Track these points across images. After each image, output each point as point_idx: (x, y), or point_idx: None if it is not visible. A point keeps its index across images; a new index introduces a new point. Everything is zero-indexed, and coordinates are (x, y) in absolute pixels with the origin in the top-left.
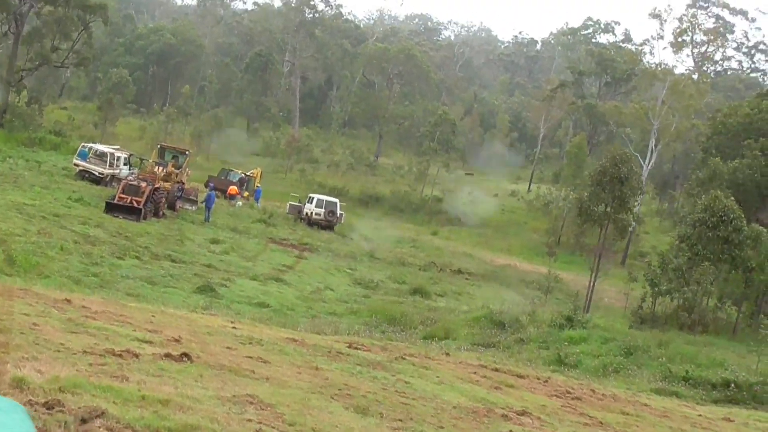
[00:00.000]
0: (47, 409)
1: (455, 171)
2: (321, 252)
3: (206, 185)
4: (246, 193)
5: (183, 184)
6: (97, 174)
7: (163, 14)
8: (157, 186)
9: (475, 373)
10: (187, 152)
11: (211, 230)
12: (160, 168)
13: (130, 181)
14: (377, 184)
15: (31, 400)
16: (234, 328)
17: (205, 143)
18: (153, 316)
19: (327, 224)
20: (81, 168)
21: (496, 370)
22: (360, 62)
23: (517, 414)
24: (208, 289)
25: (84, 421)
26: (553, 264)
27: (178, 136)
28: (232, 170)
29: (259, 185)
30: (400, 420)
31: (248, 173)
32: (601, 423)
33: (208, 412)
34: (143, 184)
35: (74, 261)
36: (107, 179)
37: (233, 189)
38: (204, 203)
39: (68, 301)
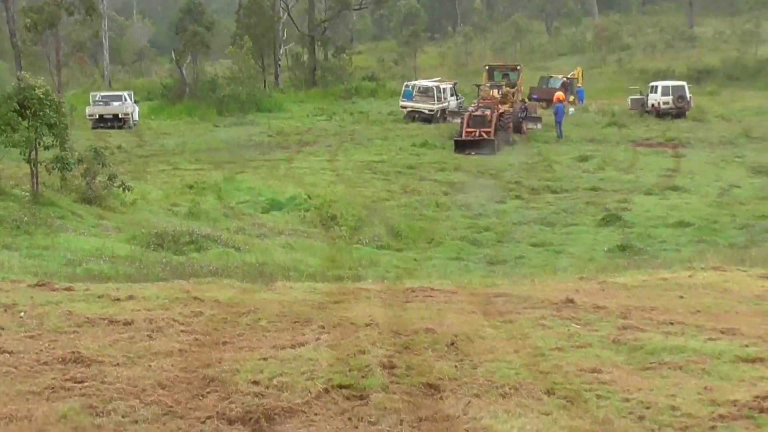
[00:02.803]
0: None
1: None
2: (693, 144)
3: (529, 98)
4: (572, 97)
5: (525, 102)
6: (426, 112)
7: None
8: (501, 111)
9: None
10: (518, 68)
11: (569, 146)
12: (496, 90)
13: (473, 111)
14: (701, 56)
15: None
16: None
17: (509, 54)
18: (681, 296)
19: (678, 112)
20: (409, 109)
21: None
22: None
23: None
24: (614, 218)
25: None
26: None
27: (479, 53)
28: (552, 76)
29: (581, 85)
30: None
31: (569, 76)
32: None
33: None
34: (487, 112)
35: (456, 216)
36: (438, 114)
37: (559, 95)
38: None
39: (571, 301)
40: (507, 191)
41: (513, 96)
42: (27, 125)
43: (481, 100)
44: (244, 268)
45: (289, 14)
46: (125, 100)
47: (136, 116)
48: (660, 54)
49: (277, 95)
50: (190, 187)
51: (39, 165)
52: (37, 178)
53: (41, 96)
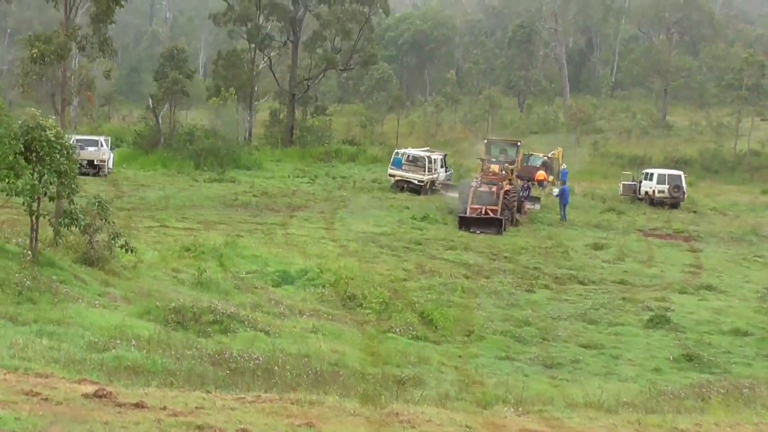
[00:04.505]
0: None
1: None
2: (705, 239)
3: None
4: (551, 177)
5: (529, 182)
6: (416, 182)
7: (398, 4)
8: (507, 189)
9: None
10: (518, 144)
11: (576, 231)
12: (497, 166)
13: (478, 187)
14: (677, 145)
15: None
16: None
17: (481, 128)
18: None
19: (673, 202)
20: (398, 178)
21: None
22: (628, 17)
23: None
24: (662, 321)
25: None
26: None
27: (449, 125)
28: (532, 154)
29: (564, 166)
30: None
31: (549, 155)
32: None
33: None
34: (494, 189)
35: (488, 305)
36: (427, 186)
37: (541, 174)
38: (558, 199)
39: None
40: (532, 279)
41: (512, 173)
42: (31, 171)
43: (483, 175)
44: (291, 363)
45: (271, 69)
46: (101, 145)
47: (111, 164)
48: (635, 140)
49: (255, 152)
50: (187, 249)
51: (42, 218)
52: (37, 234)
53: (51, 138)
